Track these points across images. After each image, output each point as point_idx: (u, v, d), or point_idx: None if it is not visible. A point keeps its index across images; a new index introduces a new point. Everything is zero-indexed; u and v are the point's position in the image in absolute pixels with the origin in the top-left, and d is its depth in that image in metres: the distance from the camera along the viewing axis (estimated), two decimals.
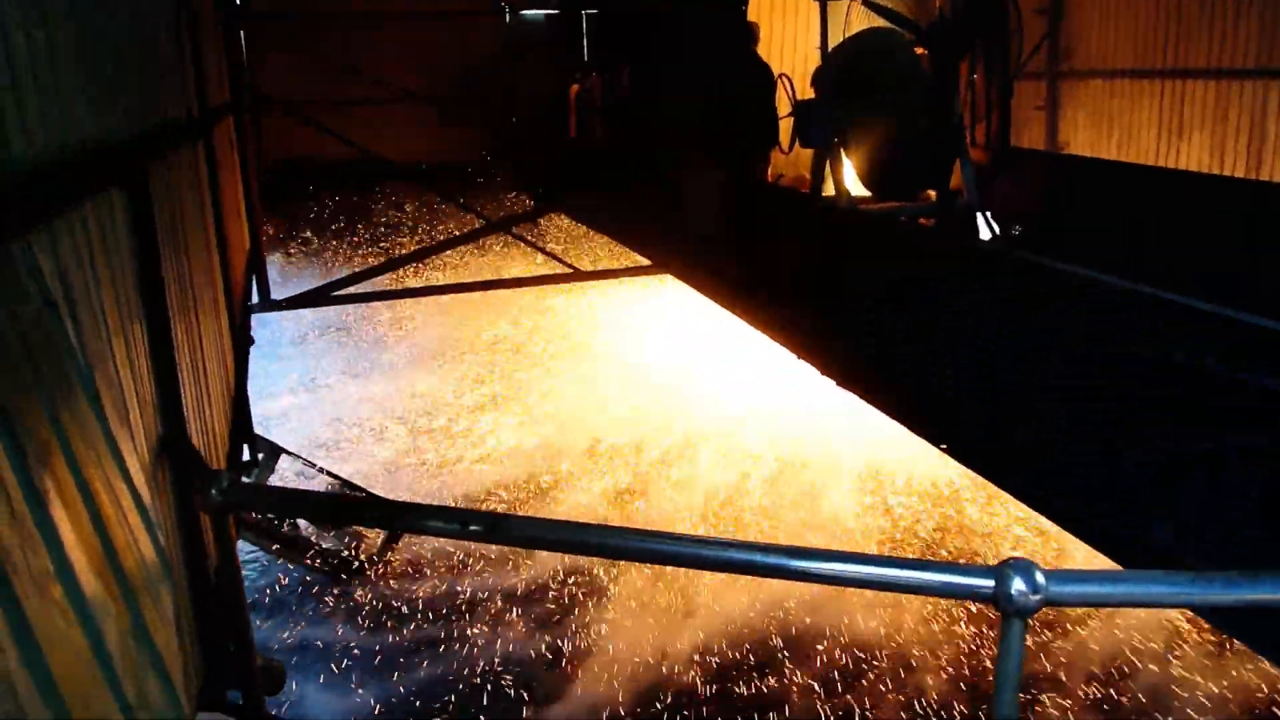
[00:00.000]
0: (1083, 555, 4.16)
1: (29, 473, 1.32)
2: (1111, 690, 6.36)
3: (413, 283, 11.97)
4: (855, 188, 7.17)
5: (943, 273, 5.28)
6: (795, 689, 6.53)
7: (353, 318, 13.71)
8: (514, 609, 7.41)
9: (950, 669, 6.61)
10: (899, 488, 8.74)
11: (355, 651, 6.95)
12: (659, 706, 6.39)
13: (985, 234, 6.88)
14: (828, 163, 7.09)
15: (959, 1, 6.79)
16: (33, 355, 1.47)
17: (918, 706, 6.34)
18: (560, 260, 9.73)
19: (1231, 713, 6.13)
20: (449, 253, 11.92)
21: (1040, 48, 10.06)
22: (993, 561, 1.67)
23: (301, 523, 7.95)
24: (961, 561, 6.80)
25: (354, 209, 16.38)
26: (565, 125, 13.51)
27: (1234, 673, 6.34)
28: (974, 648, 6.79)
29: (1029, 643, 4.29)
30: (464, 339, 13.10)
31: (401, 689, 6.61)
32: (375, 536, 8.12)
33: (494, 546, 8.16)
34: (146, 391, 2.46)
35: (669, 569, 7.46)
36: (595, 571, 7.78)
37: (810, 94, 7.41)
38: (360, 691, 6.59)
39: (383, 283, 9.52)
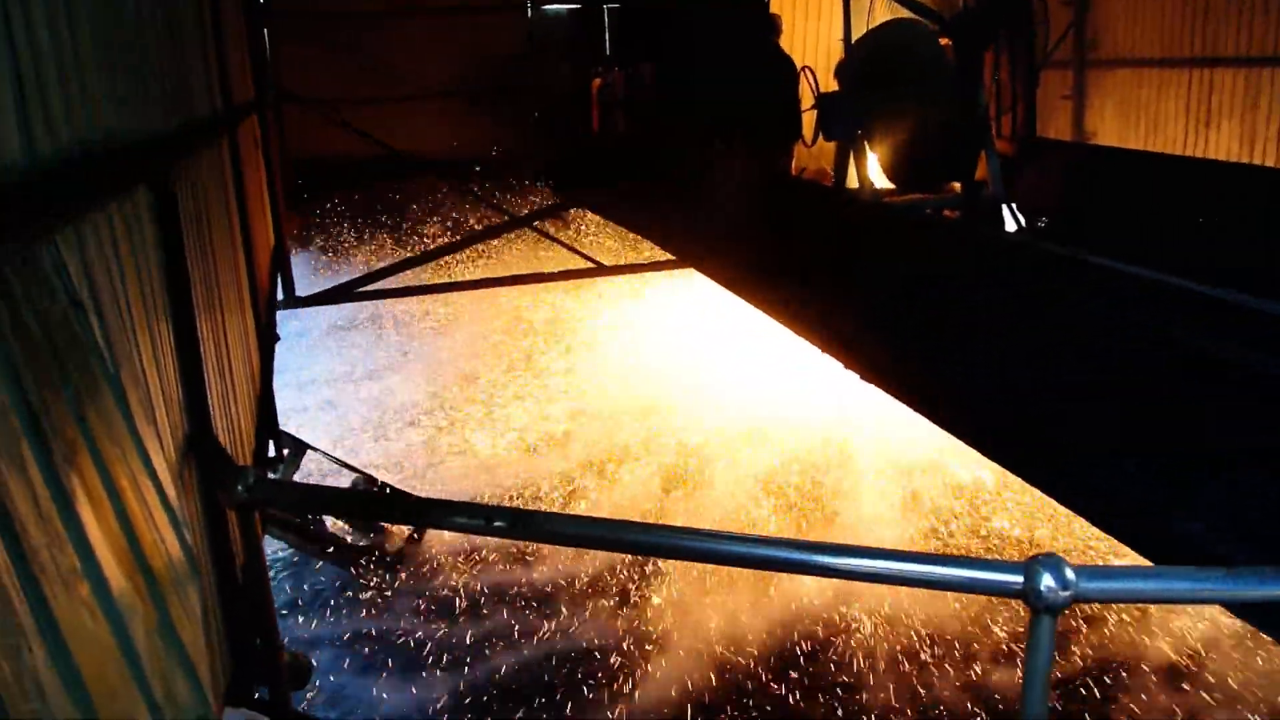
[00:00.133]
0: None
1: (56, 471, 1.33)
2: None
3: (435, 278, 11.98)
4: (879, 180, 7.14)
5: (968, 265, 5.24)
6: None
7: (368, 313, 13.74)
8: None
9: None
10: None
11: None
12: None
13: (1010, 225, 6.83)
14: (851, 155, 7.06)
15: None
16: (59, 354, 1.48)
17: None
18: (584, 255, 9.72)
19: None
20: (470, 248, 11.96)
21: (1066, 37, 9.98)
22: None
23: (327, 518, 7.99)
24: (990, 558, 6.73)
25: (377, 205, 16.43)
26: (588, 120, 13.51)
27: None
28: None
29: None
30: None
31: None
32: (400, 531, 8.16)
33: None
34: (172, 389, 2.47)
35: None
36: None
37: (833, 86, 7.37)
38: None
39: (406, 278, 9.52)
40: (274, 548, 7.71)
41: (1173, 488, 3.68)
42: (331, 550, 7.80)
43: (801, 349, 6.81)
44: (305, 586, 7.71)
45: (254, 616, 2.63)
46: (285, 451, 7.66)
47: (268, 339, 6.44)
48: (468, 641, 6.92)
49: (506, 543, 7.79)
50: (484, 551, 7.90)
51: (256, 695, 2.75)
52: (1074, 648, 6.36)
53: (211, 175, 4.07)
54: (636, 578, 7.46)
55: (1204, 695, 5.99)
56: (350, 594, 7.60)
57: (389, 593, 7.61)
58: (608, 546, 2.13)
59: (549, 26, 15.99)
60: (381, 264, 10.31)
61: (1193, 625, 6.45)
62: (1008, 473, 4.50)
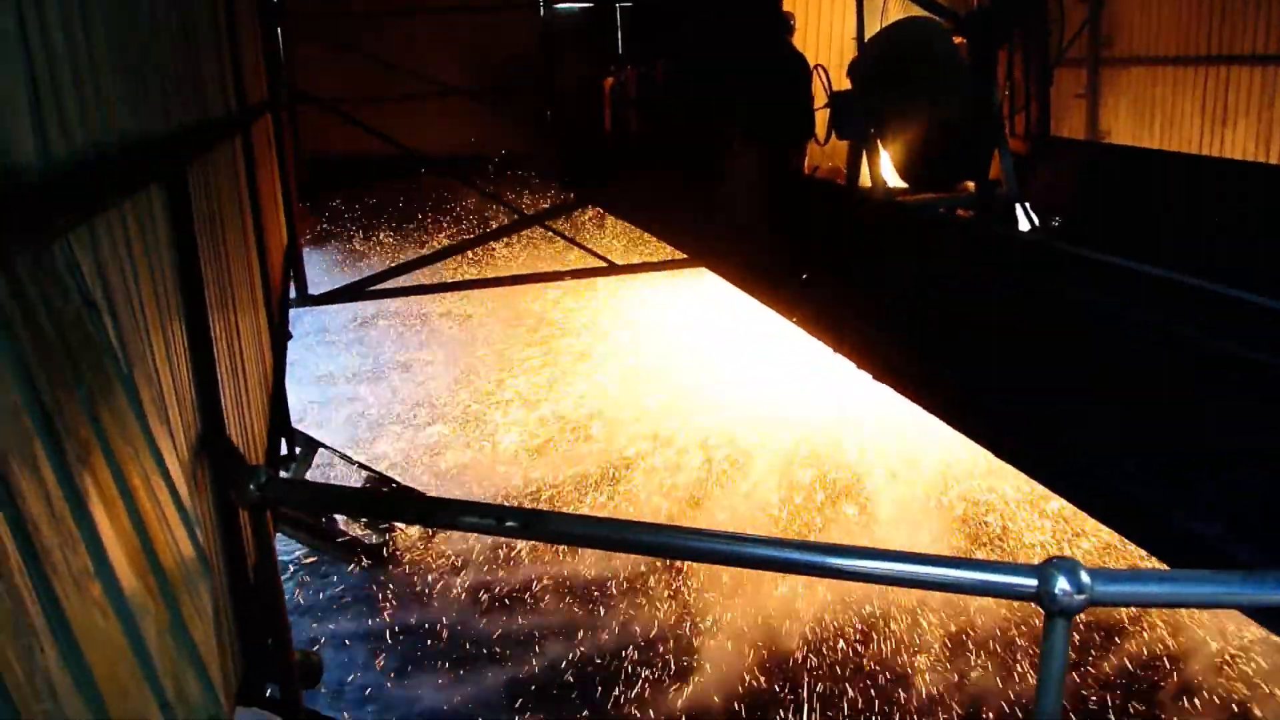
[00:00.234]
0: None
1: (68, 471, 1.33)
2: None
3: (446, 277, 12.00)
4: (892, 179, 7.10)
5: (981, 264, 5.21)
6: None
7: (376, 310, 13.78)
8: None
9: None
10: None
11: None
12: None
13: (1024, 225, 6.79)
14: (864, 154, 7.03)
15: None
16: (72, 354, 1.48)
17: None
18: (595, 254, 9.72)
19: None
20: (481, 247, 11.99)
21: (1080, 35, 9.92)
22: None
23: (339, 516, 8.02)
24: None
25: (387, 203, 16.47)
26: (600, 118, 13.50)
27: None
28: None
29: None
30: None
31: None
32: (411, 530, 8.18)
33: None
34: (185, 389, 2.48)
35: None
36: None
37: (846, 85, 7.34)
38: None
39: (417, 277, 9.53)
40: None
41: (1173, 487, 3.67)
42: (337, 543, 7.83)
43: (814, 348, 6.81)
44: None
45: (266, 615, 2.64)
46: (298, 450, 7.68)
47: (280, 337, 6.46)
48: None
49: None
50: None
51: (268, 694, 2.75)
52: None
53: (225, 175, 4.08)
54: None
55: None
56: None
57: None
58: (618, 547, 2.13)
59: (561, 25, 15.99)
60: (392, 262, 10.34)
61: None
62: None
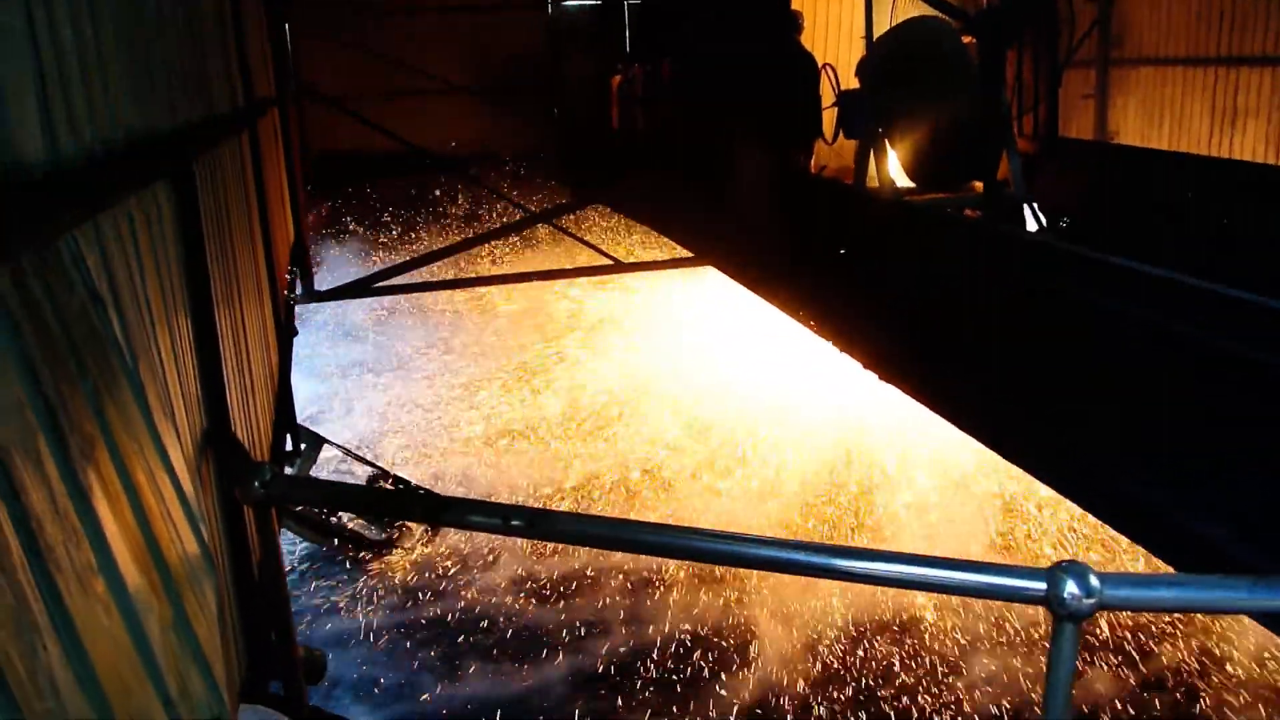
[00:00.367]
0: None
1: (72, 467, 1.33)
2: None
3: (452, 273, 12.01)
4: (900, 179, 7.08)
5: (987, 265, 5.20)
6: None
7: (379, 308, 13.79)
8: None
9: None
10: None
11: None
12: None
13: (1032, 225, 6.76)
14: (872, 153, 7.01)
15: None
16: (77, 349, 1.47)
17: None
18: (601, 251, 9.72)
19: None
20: (488, 244, 11.99)
21: (1090, 35, 9.89)
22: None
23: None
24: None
25: (393, 199, 16.46)
26: (607, 116, 13.48)
27: None
28: None
29: None
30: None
31: None
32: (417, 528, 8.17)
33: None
34: (191, 384, 2.47)
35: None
36: None
37: (855, 84, 7.32)
38: None
39: (423, 273, 9.53)
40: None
41: (1174, 487, 3.65)
42: (348, 544, 7.82)
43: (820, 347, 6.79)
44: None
45: (270, 612, 2.63)
46: (303, 446, 7.68)
47: (286, 333, 6.46)
48: None
49: None
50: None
51: (272, 690, 2.75)
52: None
53: (231, 170, 4.08)
54: None
55: None
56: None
57: None
58: (622, 547, 2.12)
59: (569, 22, 15.98)
60: (398, 258, 10.34)
61: None
62: None
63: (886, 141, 6.95)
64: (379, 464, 9.09)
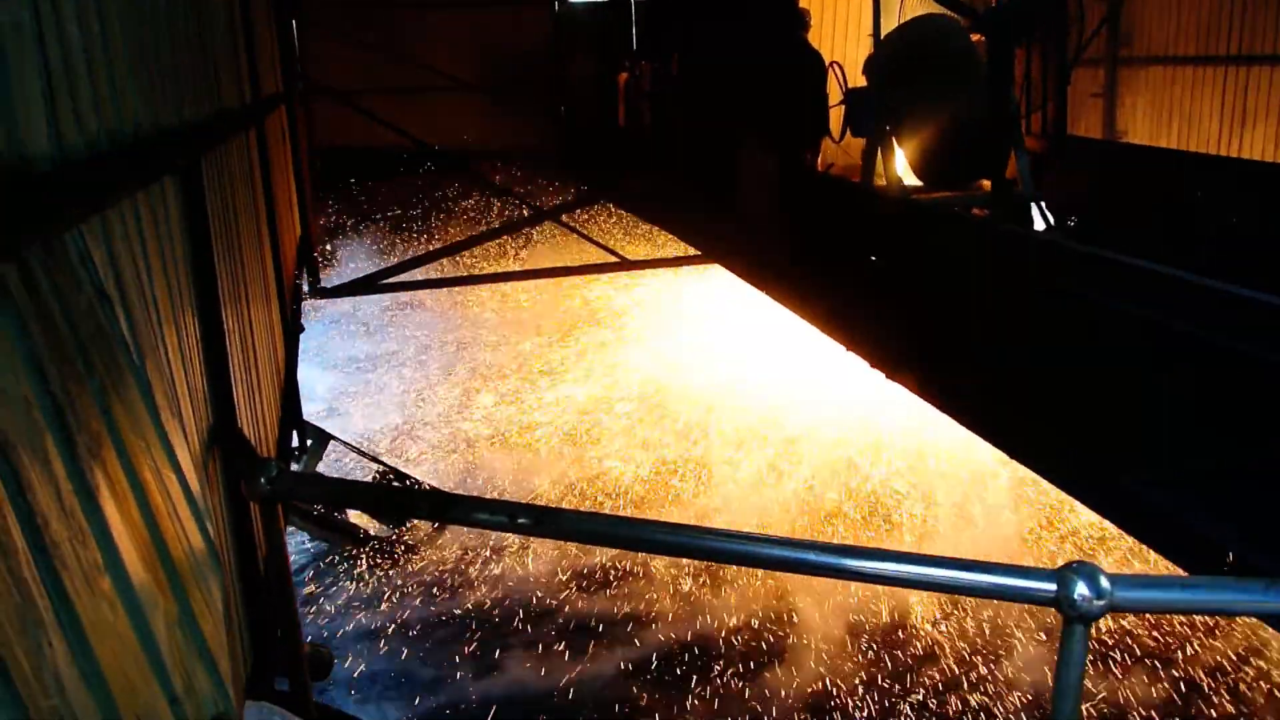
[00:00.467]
0: None
1: (79, 464, 1.32)
2: None
3: (458, 271, 12.01)
4: (907, 177, 7.06)
5: (994, 263, 5.18)
6: None
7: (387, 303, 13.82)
8: None
9: None
10: None
11: None
12: None
13: (1040, 224, 6.73)
14: (879, 152, 6.99)
15: None
16: (84, 346, 1.47)
17: None
18: (608, 249, 9.71)
19: None
20: (493, 241, 11.98)
21: (1099, 34, 9.86)
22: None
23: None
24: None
25: (399, 196, 16.46)
26: (614, 114, 13.47)
27: None
28: None
29: None
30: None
31: None
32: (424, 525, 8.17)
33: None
34: (197, 381, 2.47)
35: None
36: None
37: (862, 82, 7.30)
38: None
39: (429, 271, 9.54)
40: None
41: (1182, 490, 3.64)
42: (354, 540, 7.82)
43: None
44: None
45: (275, 608, 2.63)
46: (309, 442, 7.69)
47: (293, 329, 6.46)
48: None
49: None
50: None
51: (277, 687, 2.75)
52: None
53: (239, 167, 4.08)
54: None
55: None
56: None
57: None
58: (631, 546, 2.11)
59: (575, 19, 15.96)
60: (405, 255, 10.34)
61: None
62: None
63: (894, 140, 6.94)
64: (385, 460, 9.10)
